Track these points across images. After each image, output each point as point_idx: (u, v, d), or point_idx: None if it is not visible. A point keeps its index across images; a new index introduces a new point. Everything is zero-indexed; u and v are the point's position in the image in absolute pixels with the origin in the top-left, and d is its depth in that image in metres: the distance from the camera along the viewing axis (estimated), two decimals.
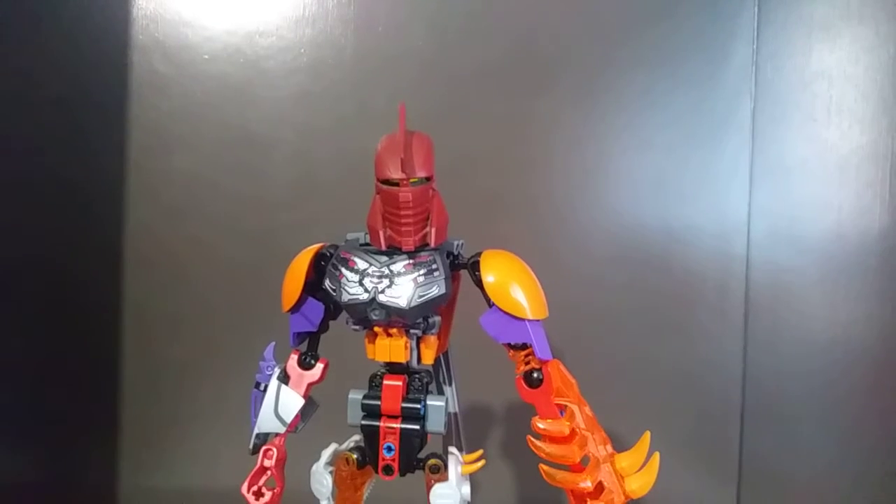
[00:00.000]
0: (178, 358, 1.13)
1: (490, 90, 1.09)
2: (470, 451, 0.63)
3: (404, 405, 0.62)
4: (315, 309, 0.65)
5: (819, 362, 1.06)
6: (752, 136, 1.07)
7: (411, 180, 0.58)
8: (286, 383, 0.65)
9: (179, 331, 1.13)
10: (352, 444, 0.65)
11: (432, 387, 0.65)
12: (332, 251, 0.63)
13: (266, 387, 0.65)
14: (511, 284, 0.61)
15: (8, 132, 1.11)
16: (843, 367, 1.05)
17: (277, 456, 0.65)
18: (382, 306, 0.59)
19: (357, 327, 0.62)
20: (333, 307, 0.65)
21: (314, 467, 0.65)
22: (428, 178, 0.59)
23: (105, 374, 1.13)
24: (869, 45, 1.04)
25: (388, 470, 0.62)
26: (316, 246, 0.65)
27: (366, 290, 0.59)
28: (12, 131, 1.11)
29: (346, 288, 0.60)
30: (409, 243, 0.60)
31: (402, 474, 0.63)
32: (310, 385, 0.65)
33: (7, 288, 1.12)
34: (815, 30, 1.05)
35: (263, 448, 0.65)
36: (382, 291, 0.59)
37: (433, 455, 0.63)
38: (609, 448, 0.61)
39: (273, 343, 0.67)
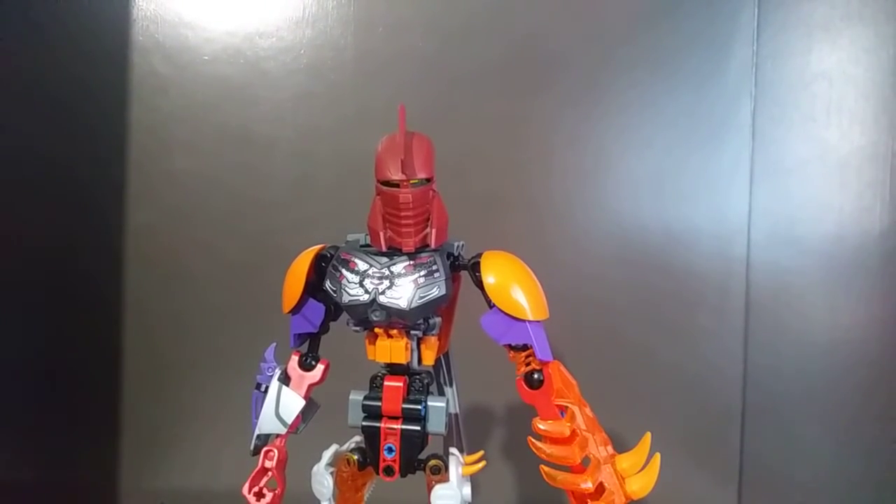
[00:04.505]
0: (180, 358, 1.13)
1: (490, 90, 1.09)
2: (471, 452, 0.63)
3: (405, 406, 0.62)
4: (316, 310, 0.65)
5: (819, 363, 1.06)
6: (753, 136, 1.07)
7: (411, 181, 0.58)
8: (287, 384, 0.65)
9: (181, 331, 1.13)
10: (353, 445, 0.65)
11: (433, 388, 0.65)
12: (332, 252, 0.63)
13: (267, 388, 0.65)
14: (511, 285, 0.61)
15: (9, 133, 1.11)
16: (844, 367, 1.05)
17: (278, 457, 0.65)
18: (383, 307, 0.59)
19: (358, 328, 0.62)
20: (334, 308, 0.65)
21: (315, 468, 0.65)
22: (428, 180, 0.59)
23: (106, 374, 1.13)
24: (869, 46, 1.04)
25: (388, 471, 0.62)
26: (316, 247, 0.65)
27: (366, 292, 0.59)
28: (13, 132, 1.11)
29: (346, 289, 0.60)
30: (410, 244, 0.60)
31: (403, 475, 0.63)
32: (310, 386, 0.65)
33: (9, 288, 1.12)
34: (816, 30, 1.05)
35: (264, 449, 0.65)
36: (383, 292, 0.59)
37: (434, 456, 0.63)
38: (610, 449, 0.61)
39: (274, 344, 0.67)
